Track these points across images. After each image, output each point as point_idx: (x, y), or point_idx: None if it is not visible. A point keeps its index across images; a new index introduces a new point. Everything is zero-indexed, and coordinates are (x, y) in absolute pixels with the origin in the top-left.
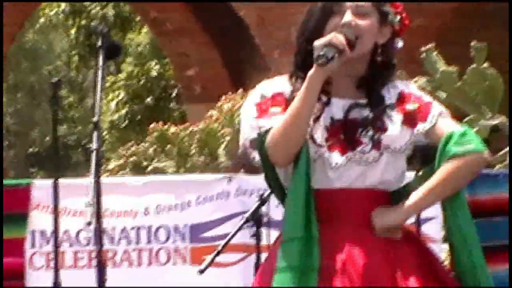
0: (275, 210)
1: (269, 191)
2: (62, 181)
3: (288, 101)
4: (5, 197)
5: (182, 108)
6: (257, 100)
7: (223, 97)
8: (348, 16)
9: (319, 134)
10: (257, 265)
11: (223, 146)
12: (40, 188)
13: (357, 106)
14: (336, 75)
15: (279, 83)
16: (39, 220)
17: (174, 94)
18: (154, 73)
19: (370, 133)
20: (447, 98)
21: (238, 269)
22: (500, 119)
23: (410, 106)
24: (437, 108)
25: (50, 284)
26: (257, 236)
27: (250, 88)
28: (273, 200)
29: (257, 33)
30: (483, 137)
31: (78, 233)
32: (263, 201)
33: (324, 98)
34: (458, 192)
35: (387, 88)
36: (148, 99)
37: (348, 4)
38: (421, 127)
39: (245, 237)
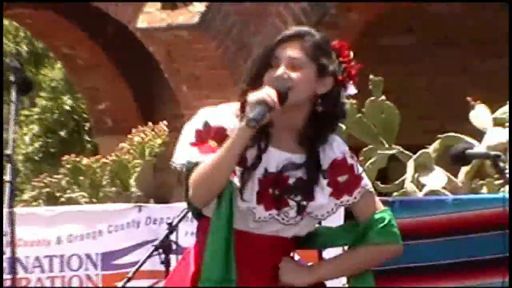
0: (183, 238)
1: (177, 219)
2: None
3: (227, 138)
4: None
5: (94, 141)
6: (199, 127)
7: (134, 130)
8: (281, 69)
9: (249, 187)
10: None
11: (134, 177)
12: None
13: (292, 165)
14: (276, 126)
15: (225, 117)
16: None
17: (87, 127)
18: (67, 107)
19: (298, 198)
20: (346, 129)
21: None
22: (396, 149)
23: (340, 179)
24: (363, 183)
25: None
26: (166, 263)
27: (159, 121)
28: (182, 229)
29: (165, 68)
30: (381, 166)
31: None
32: (171, 229)
33: (262, 145)
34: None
35: (327, 145)
36: (62, 132)
37: (283, 56)
38: (345, 199)
39: (155, 264)
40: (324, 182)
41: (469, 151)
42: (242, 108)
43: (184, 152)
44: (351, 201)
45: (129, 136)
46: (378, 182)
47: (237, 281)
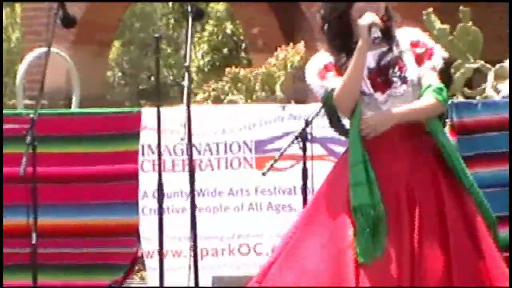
0: (316, 130)
1: (312, 116)
2: (162, 109)
3: (335, 66)
4: (123, 120)
5: (249, 57)
6: (316, 72)
7: (279, 49)
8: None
9: (364, 86)
10: (304, 169)
11: (278, 84)
12: (147, 113)
13: (382, 54)
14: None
15: (325, 57)
16: (147, 137)
17: (243, 47)
18: (228, 31)
19: (397, 73)
20: (441, 48)
21: (289, 172)
22: (479, 63)
23: (418, 50)
24: (437, 53)
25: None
26: (303, 149)
27: (298, 42)
28: (315, 123)
29: (303, 2)
30: (468, 76)
31: (175, 146)
32: (307, 123)
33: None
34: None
35: (399, 34)
36: (225, 50)
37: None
38: (426, 64)
39: (295, 149)
40: (408, 54)
41: None
42: (331, 48)
43: (319, 88)
44: (431, 65)
45: (275, 53)
46: (465, 88)
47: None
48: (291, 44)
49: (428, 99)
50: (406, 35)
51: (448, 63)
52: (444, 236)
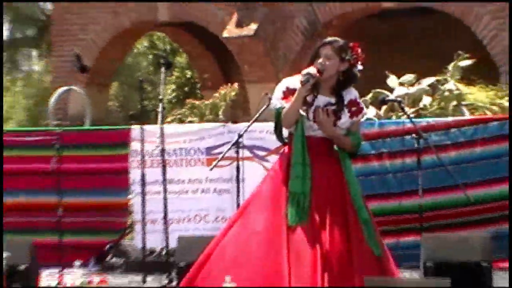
0: (245, 140)
1: (243, 131)
2: (145, 126)
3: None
4: (118, 134)
5: (202, 93)
6: (284, 89)
7: (221, 87)
8: (321, 59)
9: (310, 113)
10: (237, 166)
11: (221, 111)
12: (135, 130)
13: (329, 103)
14: (322, 86)
15: (295, 82)
16: (134, 145)
17: (198, 86)
18: (188, 76)
19: (333, 118)
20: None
21: (228, 168)
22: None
23: (353, 108)
24: (363, 112)
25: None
26: (237, 152)
27: (233, 83)
28: (245, 136)
29: (237, 57)
30: None
31: (152, 150)
32: (240, 136)
33: (315, 94)
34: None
35: (346, 92)
36: (186, 89)
37: (323, 52)
38: (355, 119)
39: (231, 153)
40: (346, 110)
41: (387, 98)
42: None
43: (278, 101)
44: (357, 120)
45: (219, 90)
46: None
47: (311, 161)
48: (229, 84)
49: (351, 139)
50: (349, 94)
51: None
52: (344, 218)
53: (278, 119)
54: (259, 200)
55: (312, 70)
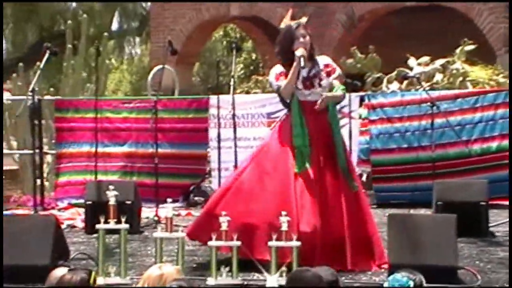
0: None
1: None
2: (220, 96)
3: (286, 74)
4: (200, 102)
5: (262, 72)
6: (274, 76)
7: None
8: (301, 39)
9: (299, 84)
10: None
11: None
12: (212, 99)
13: (310, 70)
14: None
15: (281, 68)
16: (212, 110)
17: (260, 66)
18: (253, 58)
19: (317, 81)
20: (339, 68)
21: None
22: (379, 74)
23: (328, 69)
24: (337, 70)
25: (215, 133)
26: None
27: None
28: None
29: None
30: (373, 81)
31: (226, 115)
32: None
33: (300, 69)
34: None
35: (320, 59)
36: (251, 68)
37: (300, 32)
38: (332, 77)
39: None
40: (322, 72)
41: (407, 75)
42: (284, 64)
43: (275, 83)
44: (331, 80)
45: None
46: (372, 87)
47: (306, 120)
48: None
49: (339, 92)
50: (322, 60)
51: (362, 74)
52: (334, 161)
53: (279, 94)
54: (268, 151)
55: (301, 51)
